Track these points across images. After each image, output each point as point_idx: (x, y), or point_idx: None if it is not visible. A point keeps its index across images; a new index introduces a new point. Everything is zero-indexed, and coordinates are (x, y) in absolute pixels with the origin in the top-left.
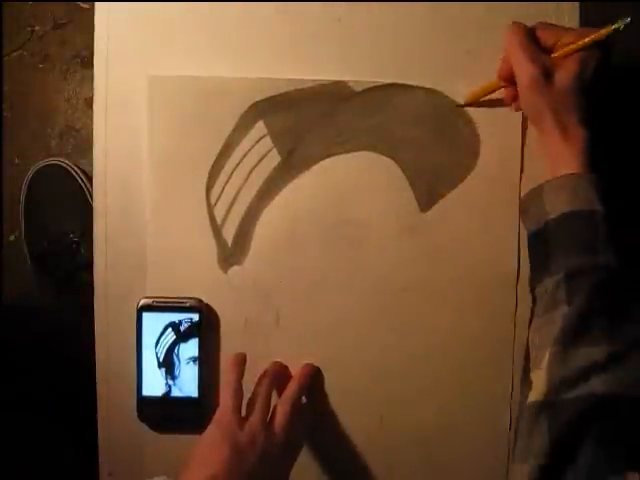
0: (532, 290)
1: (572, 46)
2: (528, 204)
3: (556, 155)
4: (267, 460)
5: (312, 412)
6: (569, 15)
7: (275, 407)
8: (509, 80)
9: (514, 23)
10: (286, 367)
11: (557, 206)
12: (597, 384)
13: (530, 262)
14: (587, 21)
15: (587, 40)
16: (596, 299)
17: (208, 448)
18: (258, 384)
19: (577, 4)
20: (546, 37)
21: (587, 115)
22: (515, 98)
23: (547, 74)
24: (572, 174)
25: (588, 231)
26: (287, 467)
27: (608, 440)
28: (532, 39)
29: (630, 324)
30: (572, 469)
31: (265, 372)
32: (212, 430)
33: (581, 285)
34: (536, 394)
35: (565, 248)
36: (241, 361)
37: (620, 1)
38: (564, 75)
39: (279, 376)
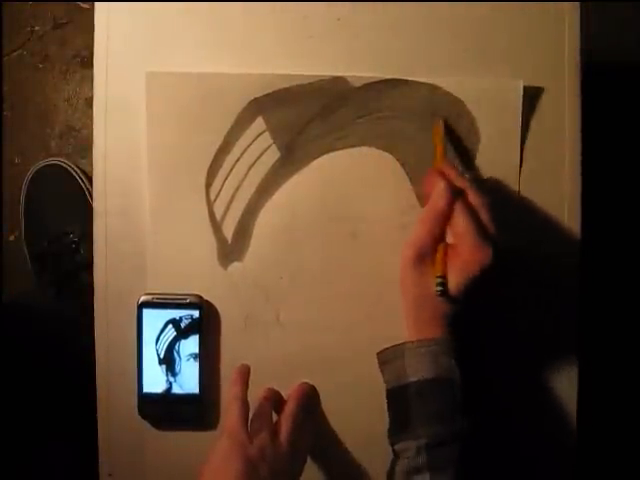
0: (391, 444)
1: (437, 265)
2: (387, 360)
3: (416, 314)
4: (277, 473)
5: (314, 427)
6: (569, 15)
7: (278, 423)
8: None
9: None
10: (279, 392)
11: (418, 371)
12: None
13: (389, 417)
14: (587, 21)
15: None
16: (457, 470)
17: (220, 462)
18: (259, 404)
19: (577, 4)
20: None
21: (449, 312)
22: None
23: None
24: (432, 339)
25: (448, 399)
26: (295, 479)
27: None
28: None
29: None
30: None
31: (264, 394)
32: (223, 444)
33: (443, 456)
34: None
35: (426, 414)
36: (246, 373)
37: (620, 1)
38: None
39: (276, 398)
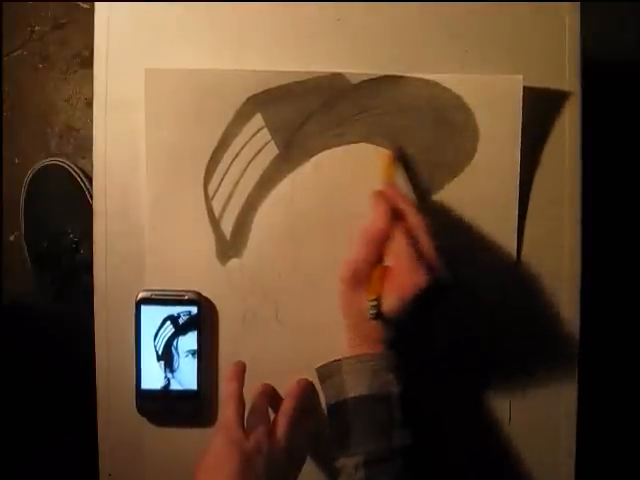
0: (332, 460)
1: (371, 287)
2: (326, 375)
3: (356, 328)
4: (273, 469)
5: (312, 424)
6: (569, 15)
7: (275, 420)
8: None
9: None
10: (275, 389)
11: (355, 387)
12: None
13: (329, 433)
14: (587, 21)
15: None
16: None
17: (216, 458)
18: (255, 400)
19: (577, 4)
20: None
21: (386, 334)
22: None
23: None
24: (370, 355)
25: (385, 414)
26: (292, 476)
27: None
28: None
29: None
30: None
31: (259, 390)
32: (219, 440)
33: (380, 471)
34: None
35: (363, 431)
36: (241, 370)
37: (620, 1)
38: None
39: (272, 394)
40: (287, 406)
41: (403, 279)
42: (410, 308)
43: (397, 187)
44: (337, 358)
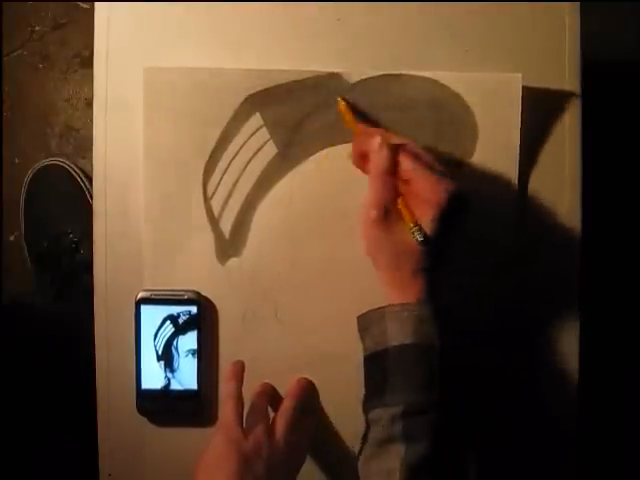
0: (365, 412)
1: (406, 216)
2: (368, 324)
3: (396, 276)
4: (272, 470)
5: (312, 423)
6: (569, 15)
7: (274, 419)
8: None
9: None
10: (274, 388)
11: (399, 335)
12: None
13: (365, 385)
14: (587, 21)
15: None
16: (433, 441)
17: (215, 459)
18: (254, 400)
19: (577, 4)
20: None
21: (428, 264)
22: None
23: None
24: (415, 303)
25: (427, 366)
26: (292, 477)
27: None
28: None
29: (463, 468)
30: None
31: (259, 389)
32: (217, 439)
33: (418, 426)
34: None
35: (404, 381)
36: (240, 370)
37: (620, 1)
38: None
39: (272, 393)
40: (287, 406)
41: (429, 195)
42: (446, 224)
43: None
44: (381, 306)
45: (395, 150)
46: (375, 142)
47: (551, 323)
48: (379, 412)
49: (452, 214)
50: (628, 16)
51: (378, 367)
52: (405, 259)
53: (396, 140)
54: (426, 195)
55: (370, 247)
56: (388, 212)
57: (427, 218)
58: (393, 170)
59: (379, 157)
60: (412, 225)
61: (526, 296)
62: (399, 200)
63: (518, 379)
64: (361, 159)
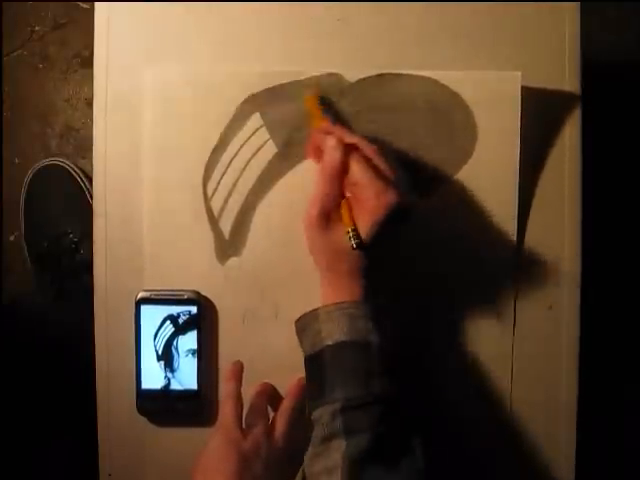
0: (308, 414)
1: (345, 219)
2: (304, 326)
3: (331, 277)
4: (271, 469)
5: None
6: (569, 15)
7: (274, 419)
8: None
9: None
10: (274, 388)
11: (333, 334)
12: None
13: (307, 387)
14: (587, 21)
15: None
16: (374, 434)
17: (214, 459)
18: (254, 399)
19: (577, 4)
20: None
21: (364, 265)
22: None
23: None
24: (348, 302)
25: (364, 362)
26: (290, 476)
27: None
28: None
29: (408, 456)
30: None
31: (259, 389)
32: (216, 440)
33: (358, 419)
34: None
35: (341, 378)
36: (239, 370)
37: (620, 1)
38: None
39: (272, 393)
40: (286, 405)
41: (373, 203)
42: (384, 231)
43: (332, 124)
44: (314, 308)
45: (348, 152)
46: (330, 141)
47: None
48: (320, 411)
49: (392, 223)
50: (628, 16)
51: (316, 367)
52: (341, 259)
53: (353, 140)
54: (368, 202)
55: (310, 245)
56: (330, 212)
57: (365, 224)
58: (342, 171)
59: (330, 157)
60: (349, 229)
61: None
62: (342, 202)
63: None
64: (315, 153)
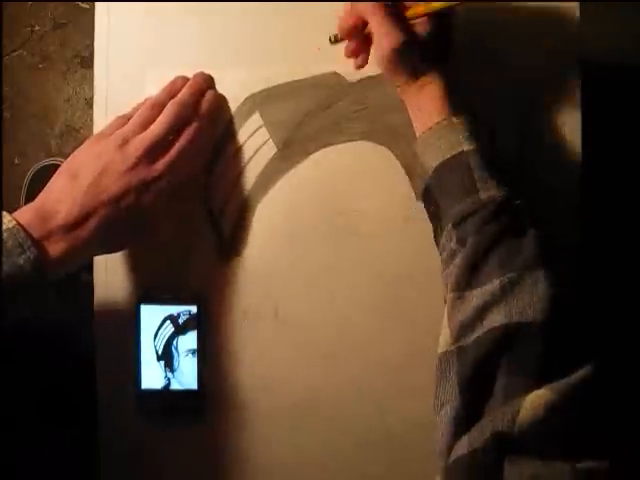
0: (437, 244)
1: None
2: (415, 164)
3: (417, 108)
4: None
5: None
6: (569, 15)
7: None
8: (353, 34)
9: None
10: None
11: (430, 162)
12: (494, 319)
13: (429, 219)
14: (587, 21)
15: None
16: (483, 238)
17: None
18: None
19: (577, 4)
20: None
21: (437, 62)
22: (358, 53)
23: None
24: (432, 126)
25: (462, 175)
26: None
27: (518, 367)
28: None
29: (521, 253)
30: (488, 401)
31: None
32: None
33: (467, 229)
34: (443, 345)
35: (447, 199)
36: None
37: (620, 1)
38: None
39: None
40: (182, 96)
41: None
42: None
43: None
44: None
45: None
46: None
47: None
48: (443, 238)
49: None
50: (628, 16)
51: (429, 199)
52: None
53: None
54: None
55: (389, 69)
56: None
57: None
58: None
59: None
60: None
61: None
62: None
63: None
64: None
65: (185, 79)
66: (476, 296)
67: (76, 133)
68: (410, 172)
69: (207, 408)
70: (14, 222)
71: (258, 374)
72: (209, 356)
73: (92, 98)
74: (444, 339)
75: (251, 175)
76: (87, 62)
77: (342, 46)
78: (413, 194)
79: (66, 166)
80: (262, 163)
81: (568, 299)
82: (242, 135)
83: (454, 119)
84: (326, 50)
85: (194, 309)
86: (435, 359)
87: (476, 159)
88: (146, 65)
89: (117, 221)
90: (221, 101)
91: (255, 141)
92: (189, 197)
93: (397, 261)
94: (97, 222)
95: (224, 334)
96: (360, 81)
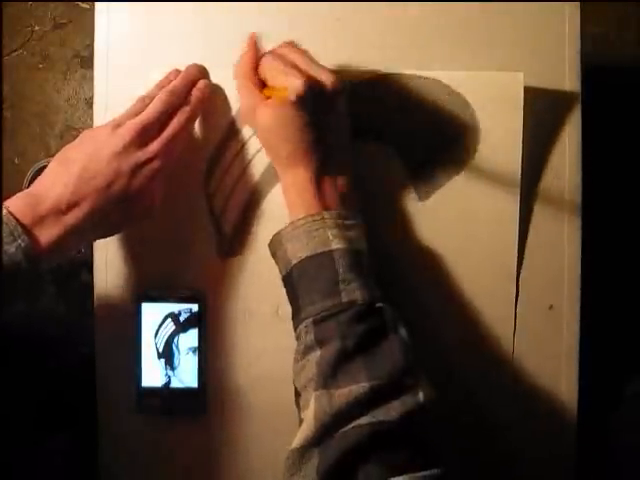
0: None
1: (276, 92)
2: (274, 249)
3: (290, 197)
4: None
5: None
6: (569, 15)
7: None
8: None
9: (244, 54)
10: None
11: (296, 252)
12: (362, 418)
13: (290, 305)
14: (587, 21)
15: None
16: (346, 341)
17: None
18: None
19: (577, 4)
20: (266, 71)
21: (301, 151)
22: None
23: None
24: (304, 217)
25: (327, 273)
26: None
27: (380, 459)
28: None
29: (384, 356)
30: None
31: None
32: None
33: (327, 329)
34: (302, 437)
35: (309, 294)
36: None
37: (620, 1)
38: (265, 113)
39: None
40: (174, 84)
41: (282, 79)
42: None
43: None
44: (278, 231)
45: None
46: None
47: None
48: (299, 329)
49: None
50: (628, 16)
51: (289, 288)
52: (273, 143)
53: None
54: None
55: (263, 137)
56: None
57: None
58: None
59: (242, 59)
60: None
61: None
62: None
63: None
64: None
65: (178, 72)
66: (343, 395)
67: (76, 133)
68: (412, 172)
69: (207, 406)
70: (5, 210)
71: (259, 372)
72: (210, 354)
73: (92, 98)
74: (305, 430)
75: (253, 175)
76: (87, 62)
77: (342, 46)
78: (414, 194)
79: (60, 154)
80: (264, 163)
81: (428, 406)
82: (244, 134)
83: (325, 214)
84: (328, 50)
85: (195, 307)
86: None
87: (344, 258)
88: (146, 65)
89: (109, 204)
90: (214, 89)
91: (257, 141)
92: (189, 182)
93: (397, 260)
94: (89, 206)
95: (225, 332)
96: (362, 81)
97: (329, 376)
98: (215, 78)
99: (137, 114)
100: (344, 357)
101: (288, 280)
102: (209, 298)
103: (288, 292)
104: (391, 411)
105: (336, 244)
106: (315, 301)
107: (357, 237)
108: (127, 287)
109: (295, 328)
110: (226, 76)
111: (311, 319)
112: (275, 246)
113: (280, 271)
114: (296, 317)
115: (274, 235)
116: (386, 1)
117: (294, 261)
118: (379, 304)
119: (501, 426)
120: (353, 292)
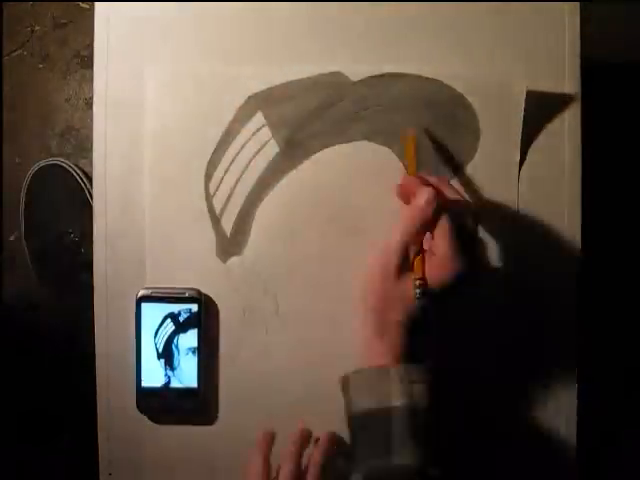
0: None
1: (418, 269)
2: (343, 391)
3: (369, 345)
4: None
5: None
6: (569, 15)
7: (306, 470)
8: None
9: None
10: (311, 433)
11: (359, 401)
12: None
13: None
14: (587, 21)
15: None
16: None
17: None
18: (291, 448)
19: (577, 4)
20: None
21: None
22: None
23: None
24: (376, 368)
25: (383, 430)
26: None
27: None
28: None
29: None
30: None
31: (297, 436)
32: None
33: None
34: None
35: (363, 447)
36: (270, 440)
37: (620, 2)
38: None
39: (307, 438)
40: (317, 458)
41: (446, 264)
42: (447, 291)
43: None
44: (346, 374)
45: (440, 209)
46: (426, 194)
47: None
48: (352, 477)
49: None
50: (628, 16)
51: (350, 432)
52: (397, 310)
53: (450, 194)
54: (442, 260)
55: (371, 290)
56: (405, 261)
57: (434, 280)
58: (428, 226)
59: (423, 211)
60: (418, 277)
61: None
62: (419, 253)
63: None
64: (405, 196)
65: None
66: None
67: (76, 133)
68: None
69: (207, 406)
70: None
71: (258, 372)
72: (209, 355)
73: (92, 98)
74: None
75: (253, 174)
76: (87, 62)
77: (343, 46)
78: None
79: None
80: (264, 162)
81: None
82: (244, 134)
83: (396, 369)
84: (328, 49)
85: (195, 307)
86: None
87: (402, 416)
88: (146, 65)
89: None
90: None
91: (257, 140)
92: (189, 182)
93: None
94: None
95: (224, 332)
96: (363, 81)
97: None
98: (215, 77)
99: None
100: None
101: (349, 424)
102: (209, 298)
103: (349, 434)
104: None
105: (397, 401)
106: (367, 457)
107: (419, 394)
108: (127, 287)
109: (348, 470)
110: (228, 75)
111: (362, 475)
112: (342, 389)
113: (345, 411)
114: (351, 464)
115: (343, 377)
116: (387, 1)
117: (355, 409)
118: (431, 470)
119: (500, 428)
120: (406, 453)
